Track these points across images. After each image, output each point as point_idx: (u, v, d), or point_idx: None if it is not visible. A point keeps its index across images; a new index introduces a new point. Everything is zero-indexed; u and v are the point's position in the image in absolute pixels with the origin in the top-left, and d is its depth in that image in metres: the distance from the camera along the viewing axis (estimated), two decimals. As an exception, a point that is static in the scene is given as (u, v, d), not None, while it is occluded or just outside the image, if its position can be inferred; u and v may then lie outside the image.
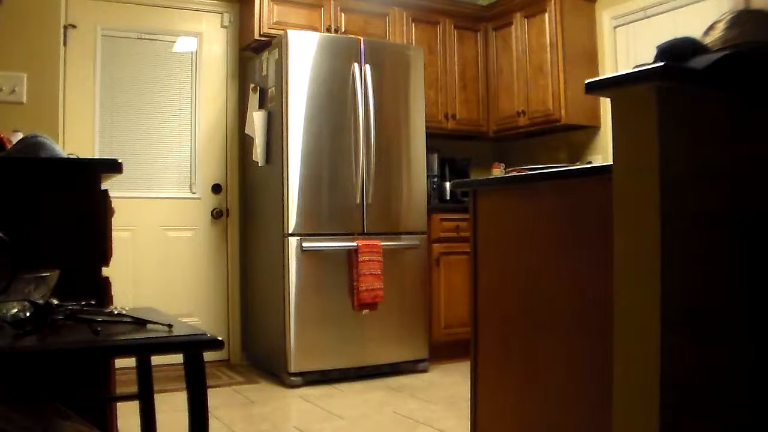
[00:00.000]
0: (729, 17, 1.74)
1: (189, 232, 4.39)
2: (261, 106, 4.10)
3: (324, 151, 3.87)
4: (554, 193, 1.96)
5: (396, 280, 4.00)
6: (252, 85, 4.22)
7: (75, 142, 3.97)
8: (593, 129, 4.56)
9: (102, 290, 1.77)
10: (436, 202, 4.75)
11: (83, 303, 1.44)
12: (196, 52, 4.46)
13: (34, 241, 1.64)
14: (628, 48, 4.35)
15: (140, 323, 1.39)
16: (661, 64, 1.43)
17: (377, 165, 4.00)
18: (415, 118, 4.18)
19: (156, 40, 4.34)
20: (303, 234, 3.80)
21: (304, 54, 3.84)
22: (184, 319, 1.68)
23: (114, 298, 1.86)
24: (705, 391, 1.51)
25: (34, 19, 3.80)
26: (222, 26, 4.53)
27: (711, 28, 1.77)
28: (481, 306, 2.27)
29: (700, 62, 1.56)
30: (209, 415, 1.42)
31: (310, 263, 3.80)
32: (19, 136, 2.12)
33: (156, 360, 1.70)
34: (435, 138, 4.72)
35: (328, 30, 4.36)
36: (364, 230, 3.96)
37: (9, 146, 2.06)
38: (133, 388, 1.83)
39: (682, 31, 1.95)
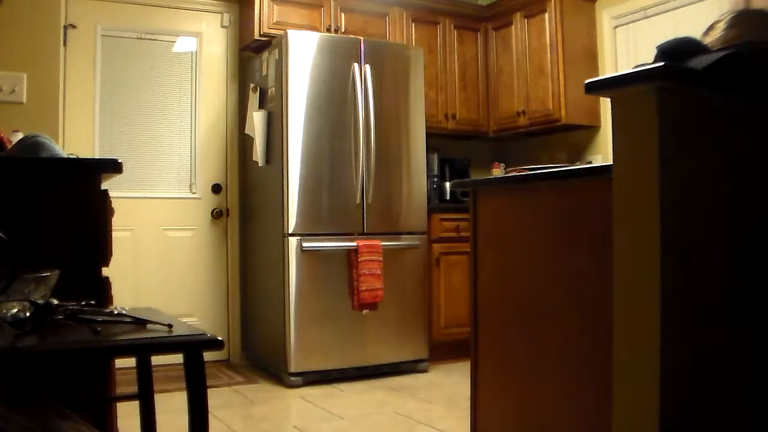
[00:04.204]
0: (729, 17, 1.74)
1: (189, 232, 4.39)
2: (261, 106, 4.10)
3: (324, 151, 3.87)
4: (554, 193, 1.96)
5: (396, 280, 4.00)
6: (252, 85, 4.22)
7: (75, 142, 3.97)
8: (593, 129, 4.56)
9: (102, 290, 1.77)
10: (436, 202, 4.75)
11: (83, 303, 1.44)
12: (196, 52, 4.46)
13: (34, 241, 1.64)
14: (628, 48, 4.35)
15: (140, 323, 1.39)
16: (661, 64, 1.43)
17: (377, 165, 4.00)
18: (415, 118, 4.18)
19: (156, 40, 4.34)
20: (303, 234, 3.80)
21: (304, 54, 3.84)
22: (184, 319, 1.68)
23: (114, 298, 1.86)
24: (706, 391, 1.51)
25: (34, 19, 3.80)
26: (222, 26, 4.53)
27: (711, 28, 1.77)
28: (481, 306, 2.27)
29: (700, 62, 1.56)
30: (209, 415, 1.42)
31: (310, 263, 3.80)
32: (19, 136, 2.12)
33: (156, 360, 1.70)
34: (435, 138, 4.72)
35: (328, 30, 4.36)
36: (364, 230, 3.96)
37: (9, 146, 2.06)
38: (133, 388, 1.82)
39: (682, 31, 1.95)
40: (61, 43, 3.95)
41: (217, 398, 3.41)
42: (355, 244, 3.86)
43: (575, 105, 4.39)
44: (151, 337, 1.29)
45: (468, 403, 2.34)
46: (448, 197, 4.85)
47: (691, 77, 1.51)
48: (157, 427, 1.85)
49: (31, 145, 1.83)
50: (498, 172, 4.93)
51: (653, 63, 1.48)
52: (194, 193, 4.42)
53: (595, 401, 1.75)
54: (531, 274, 2.03)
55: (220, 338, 1.33)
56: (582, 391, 1.84)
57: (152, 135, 4.30)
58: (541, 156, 4.95)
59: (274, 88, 3.96)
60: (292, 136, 3.79)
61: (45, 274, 1.33)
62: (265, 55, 4.12)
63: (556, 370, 1.93)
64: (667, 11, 4.08)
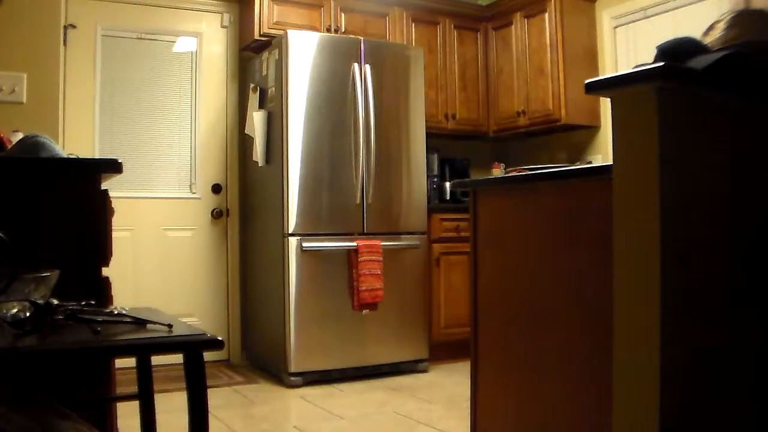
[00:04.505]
0: (729, 17, 1.74)
1: (189, 232, 4.39)
2: (261, 106, 4.10)
3: (324, 151, 3.87)
4: (554, 193, 1.96)
5: (396, 280, 4.00)
6: (252, 85, 4.22)
7: (75, 142, 3.97)
8: (593, 129, 4.56)
9: (102, 290, 1.77)
10: (436, 202, 4.75)
11: (83, 303, 1.44)
12: (196, 52, 4.46)
13: (34, 241, 1.64)
14: (628, 48, 4.34)
15: (140, 323, 1.39)
16: (661, 64, 1.43)
17: (377, 165, 4.00)
18: (415, 118, 4.18)
19: (156, 40, 4.34)
20: (303, 234, 3.80)
21: (304, 54, 3.84)
22: (184, 319, 1.68)
23: (114, 298, 1.86)
24: (706, 391, 1.51)
25: (34, 19, 3.80)
26: (222, 26, 4.53)
27: (711, 28, 1.77)
28: (481, 306, 2.27)
29: (700, 62, 1.56)
30: (209, 415, 1.42)
31: (310, 263, 3.80)
32: (19, 136, 2.12)
33: (156, 360, 1.70)
34: (435, 138, 4.72)
35: (328, 30, 4.36)
36: (364, 230, 3.96)
37: (9, 146, 2.06)
38: (133, 388, 1.82)
39: (682, 31, 1.95)
40: (61, 43, 3.95)
41: (217, 398, 3.41)
42: (355, 244, 3.86)
43: (575, 105, 4.39)
44: (151, 337, 1.29)
45: (468, 403, 2.34)
46: (448, 197, 4.85)
47: (691, 77, 1.51)
48: (157, 427, 1.85)
49: (31, 145, 1.83)
50: (498, 172, 4.93)
51: (653, 63, 1.48)
52: (194, 193, 4.42)
53: (595, 401, 1.75)
54: (531, 274, 2.03)
55: (220, 338, 1.33)
56: (582, 391, 1.84)
57: (152, 135, 4.30)
58: (541, 156, 4.95)
59: (274, 88, 3.96)
60: (292, 136, 3.79)
61: (45, 274, 1.33)
62: (265, 55, 4.12)
63: (556, 370, 1.93)
64: (667, 11, 4.08)
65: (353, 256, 3.85)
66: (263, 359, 4.16)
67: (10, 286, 1.26)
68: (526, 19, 4.66)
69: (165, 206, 4.32)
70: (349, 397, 3.54)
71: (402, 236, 4.08)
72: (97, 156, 4.04)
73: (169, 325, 1.34)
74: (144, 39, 4.30)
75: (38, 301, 1.29)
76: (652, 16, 4.17)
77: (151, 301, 3.52)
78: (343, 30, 4.42)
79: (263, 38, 4.21)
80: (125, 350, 1.34)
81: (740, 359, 1.59)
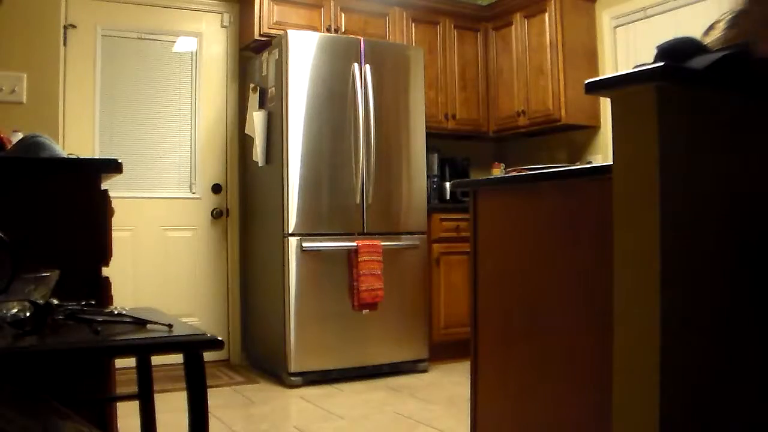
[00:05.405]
0: (729, 17, 1.73)
1: (189, 232, 4.39)
2: (261, 106, 4.10)
3: (324, 151, 3.87)
4: (554, 193, 1.96)
5: (396, 280, 4.00)
6: (252, 85, 4.22)
7: (75, 142, 3.97)
8: (593, 129, 4.56)
9: (102, 290, 1.77)
10: (436, 202, 4.75)
11: (83, 303, 1.44)
12: (196, 52, 4.46)
13: (34, 241, 1.64)
14: (628, 48, 4.35)
15: (140, 323, 1.39)
16: (661, 64, 1.43)
17: (377, 165, 4.00)
18: (415, 118, 4.18)
19: (156, 40, 4.34)
20: (303, 234, 3.80)
21: (304, 54, 3.84)
22: (184, 319, 1.68)
23: (114, 298, 1.86)
24: (706, 392, 1.51)
25: (34, 19, 3.81)
26: (222, 26, 4.53)
27: (711, 28, 1.77)
28: (481, 306, 2.27)
29: (700, 62, 1.56)
30: (209, 415, 1.42)
31: (310, 263, 3.80)
32: (19, 136, 2.12)
33: (156, 360, 1.70)
34: (435, 138, 4.72)
35: (328, 30, 4.36)
36: (364, 230, 3.96)
37: (9, 146, 2.06)
38: (133, 388, 1.83)
39: (682, 31, 1.95)
40: (61, 43, 3.96)
41: (217, 398, 3.41)
42: (355, 244, 3.86)
43: (575, 105, 4.39)
44: (151, 337, 1.29)
45: (468, 403, 2.34)
46: (448, 197, 4.86)
47: (691, 77, 1.51)
48: (157, 427, 1.85)
49: (31, 144, 1.83)
50: (498, 172, 4.93)
51: (653, 63, 1.48)
52: (194, 193, 4.42)
53: (595, 401, 1.75)
54: (531, 274, 2.03)
55: (220, 338, 1.33)
56: (582, 391, 1.84)
57: (152, 135, 4.30)
58: (541, 156, 4.95)
59: (274, 88, 3.96)
60: (292, 136, 3.79)
61: (45, 274, 1.33)
62: (265, 55, 4.12)
63: (556, 371, 1.93)
64: (667, 11, 4.08)
65: (353, 256, 3.85)
66: (263, 359, 4.16)
67: (10, 286, 1.26)
68: (526, 19, 4.66)
69: (165, 206, 4.32)
70: (349, 397, 3.54)
71: (402, 236, 4.08)
72: (97, 156, 4.04)
73: (169, 325, 1.34)
74: (144, 39, 4.30)
75: (38, 301, 1.29)
76: (652, 16, 4.17)
77: (151, 301, 3.52)
78: (343, 30, 4.42)
79: (263, 38, 4.21)
80: (125, 350, 1.34)
81: (743, 359, 1.58)
